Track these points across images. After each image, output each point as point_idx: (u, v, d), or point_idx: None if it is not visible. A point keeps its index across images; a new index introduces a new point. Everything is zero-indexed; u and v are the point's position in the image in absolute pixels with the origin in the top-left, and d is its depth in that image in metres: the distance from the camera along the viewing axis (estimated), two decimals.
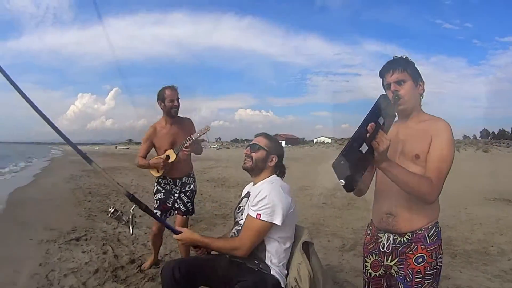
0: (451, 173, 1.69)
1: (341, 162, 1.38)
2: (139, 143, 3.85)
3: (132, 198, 2.01)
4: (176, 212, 3.65)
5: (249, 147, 2.31)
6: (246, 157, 2.29)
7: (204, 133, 3.36)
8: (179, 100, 3.58)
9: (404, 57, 1.82)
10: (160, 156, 3.58)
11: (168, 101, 3.51)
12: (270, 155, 2.27)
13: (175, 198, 3.63)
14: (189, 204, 3.64)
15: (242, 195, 2.40)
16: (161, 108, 3.58)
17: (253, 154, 2.27)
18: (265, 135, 2.36)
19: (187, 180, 3.68)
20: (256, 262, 2.11)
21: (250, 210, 2.12)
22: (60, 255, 4.23)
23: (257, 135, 2.37)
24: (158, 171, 3.59)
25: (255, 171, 2.28)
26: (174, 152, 3.51)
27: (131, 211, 2.25)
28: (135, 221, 2.32)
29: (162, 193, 3.65)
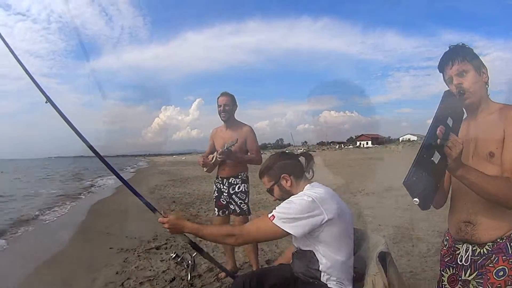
0: None
1: (413, 178, 1.27)
2: None
3: (194, 246, 2.09)
4: (232, 212, 3.82)
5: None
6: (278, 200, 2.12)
7: (232, 145, 3.57)
8: (230, 107, 3.83)
9: (461, 44, 1.65)
10: (205, 156, 3.99)
11: (218, 106, 3.82)
12: (280, 182, 2.10)
13: (227, 198, 3.81)
14: (243, 204, 3.77)
15: None
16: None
17: (275, 195, 2.15)
18: (260, 171, 2.21)
19: (235, 181, 3.82)
20: (311, 277, 1.99)
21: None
22: (138, 264, 4.40)
23: (259, 174, 2.23)
24: (204, 168, 3.97)
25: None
26: (217, 155, 3.76)
27: (191, 257, 2.28)
28: (195, 266, 2.33)
29: (215, 191, 3.94)
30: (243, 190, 3.80)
